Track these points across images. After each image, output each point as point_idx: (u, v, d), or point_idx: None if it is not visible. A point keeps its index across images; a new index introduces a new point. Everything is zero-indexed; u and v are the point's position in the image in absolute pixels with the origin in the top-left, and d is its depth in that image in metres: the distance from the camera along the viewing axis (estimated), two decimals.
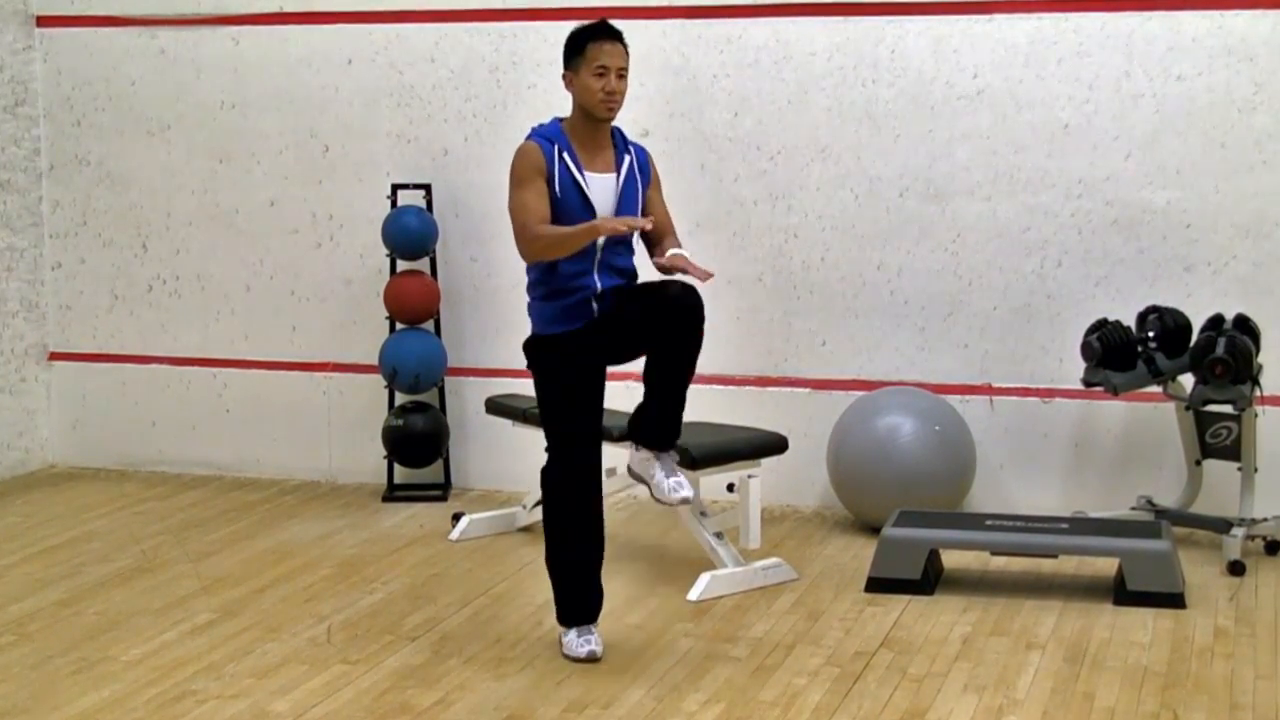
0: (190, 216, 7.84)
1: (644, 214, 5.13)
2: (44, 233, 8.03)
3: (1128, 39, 6.66)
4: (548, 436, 5.18)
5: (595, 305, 5.06)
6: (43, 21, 7.90)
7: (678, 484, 5.09)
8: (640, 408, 5.12)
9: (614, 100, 5.04)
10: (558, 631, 5.31)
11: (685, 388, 5.05)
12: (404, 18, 7.44)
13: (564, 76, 5.11)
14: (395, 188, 7.42)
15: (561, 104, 5.18)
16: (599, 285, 5.06)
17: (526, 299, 5.19)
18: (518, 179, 5.03)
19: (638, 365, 5.18)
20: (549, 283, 5.07)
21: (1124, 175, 6.72)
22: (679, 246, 5.11)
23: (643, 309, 5.00)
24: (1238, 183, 6.61)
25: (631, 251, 5.17)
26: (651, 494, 5.15)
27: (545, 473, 5.20)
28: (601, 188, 5.07)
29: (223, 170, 7.77)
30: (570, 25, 5.16)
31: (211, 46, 7.70)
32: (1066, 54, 6.73)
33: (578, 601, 5.23)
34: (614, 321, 5.05)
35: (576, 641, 5.19)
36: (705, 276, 4.95)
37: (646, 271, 5.20)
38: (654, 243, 5.17)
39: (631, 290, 5.12)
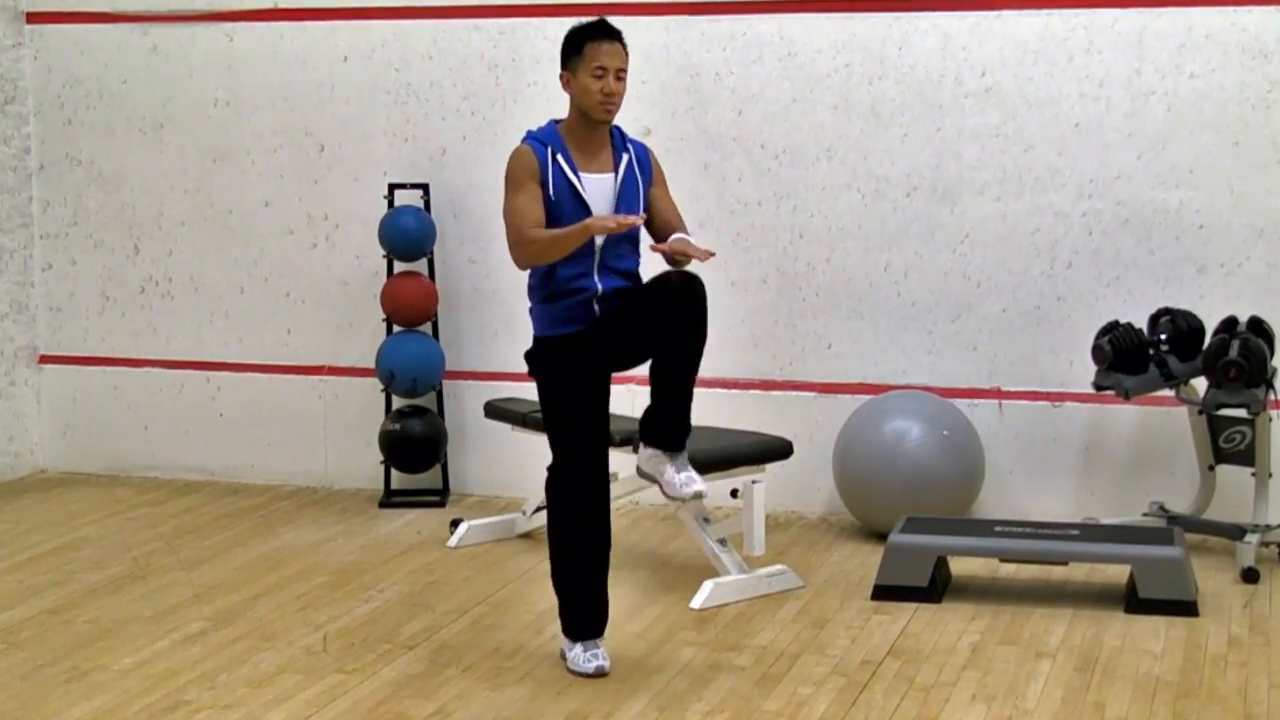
0: (183, 217, 7.79)
1: (648, 212, 5.06)
2: (34, 233, 7.97)
3: (1139, 35, 6.60)
4: (552, 445, 5.11)
5: (597, 306, 4.99)
6: (32, 18, 7.86)
7: (689, 479, 5.03)
8: (649, 410, 5.06)
9: (612, 102, 4.98)
10: (560, 644, 5.23)
11: (691, 383, 4.98)
12: (401, 14, 7.40)
13: (561, 76, 5.05)
14: (392, 187, 7.37)
15: (562, 102, 5.11)
16: (600, 287, 4.99)
17: (528, 304, 5.12)
18: (511, 183, 4.99)
19: (640, 370, 5.13)
20: (548, 286, 5.02)
21: (1135, 175, 6.66)
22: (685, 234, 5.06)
23: (644, 303, 4.94)
24: (1252, 182, 6.55)
25: (635, 252, 5.11)
26: (662, 491, 5.09)
27: (550, 482, 5.13)
28: (598, 188, 5.01)
29: (216, 170, 7.71)
30: (571, 21, 5.11)
31: (205, 43, 7.66)
32: (1076, 51, 6.67)
33: (584, 615, 5.15)
34: (616, 321, 4.99)
35: (583, 657, 5.12)
36: (706, 255, 4.88)
37: (651, 271, 5.11)
38: (663, 240, 5.07)
39: (633, 289, 5.05)
